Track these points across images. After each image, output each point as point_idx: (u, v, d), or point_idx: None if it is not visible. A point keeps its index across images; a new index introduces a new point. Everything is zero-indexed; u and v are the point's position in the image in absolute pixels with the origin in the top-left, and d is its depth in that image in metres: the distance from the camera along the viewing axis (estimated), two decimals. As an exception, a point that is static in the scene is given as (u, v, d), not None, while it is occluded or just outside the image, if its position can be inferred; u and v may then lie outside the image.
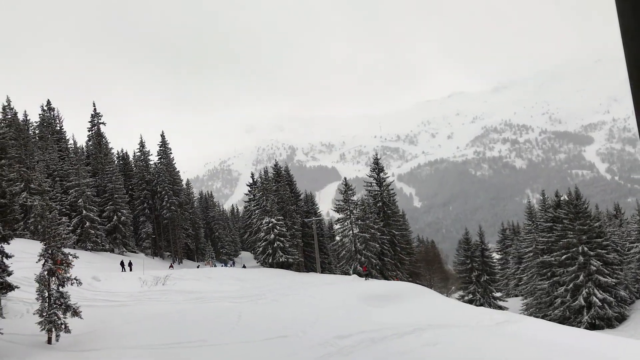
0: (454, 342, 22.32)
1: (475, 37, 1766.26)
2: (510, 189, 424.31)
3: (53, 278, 26.50)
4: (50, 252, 26.98)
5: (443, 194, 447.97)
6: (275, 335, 25.12)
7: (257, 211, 61.77)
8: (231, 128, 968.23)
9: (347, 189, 57.33)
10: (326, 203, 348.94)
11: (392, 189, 61.32)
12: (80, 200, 53.12)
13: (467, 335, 23.99)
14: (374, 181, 61.18)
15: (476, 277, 62.64)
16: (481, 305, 55.08)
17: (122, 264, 47.88)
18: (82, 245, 52.41)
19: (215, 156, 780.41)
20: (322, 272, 61.90)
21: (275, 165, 71.33)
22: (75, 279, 26.45)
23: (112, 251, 59.27)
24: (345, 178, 62.59)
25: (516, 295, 74.71)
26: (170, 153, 75.39)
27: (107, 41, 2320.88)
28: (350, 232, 55.27)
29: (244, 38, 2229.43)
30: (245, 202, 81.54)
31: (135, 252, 64.31)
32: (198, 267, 58.55)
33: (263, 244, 57.50)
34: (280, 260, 56.13)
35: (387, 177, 61.45)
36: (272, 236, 56.60)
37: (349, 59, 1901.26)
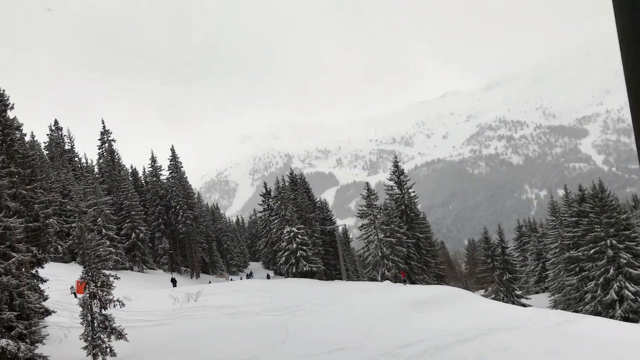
0: (523, 346, 21.52)
1: (465, 36, 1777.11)
2: (508, 185, 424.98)
3: (95, 301, 25.60)
4: (90, 274, 26.06)
5: (442, 194, 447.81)
6: (331, 348, 24.20)
7: (275, 221, 60.78)
8: (225, 139, 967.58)
9: (369, 194, 56.29)
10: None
11: (414, 192, 60.45)
12: (99, 219, 52.15)
13: (534, 338, 23.20)
14: (395, 184, 60.30)
15: (498, 276, 62.11)
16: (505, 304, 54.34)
17: (172, 280, 50.11)
18: (103, 264, 51.43)
19: (211, 168, 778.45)
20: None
21: (291, 174, 70.29)
22: (118, 300, 25.60)
23: (131, 269, 58.20)
24: (367, 183, 61.67)
25: (537, 292, 73.99)
26: (181, 166, 74.33)
27: (95, 53, 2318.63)
28: (375, 237, 54.32)
29: (233, 47, 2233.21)
30: (260, 212, 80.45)
31: (153, 268, 63.26)
32: (232, 280, 59.35)
33: (285, 254, 56.47)
34: (304, 269, 55.11)
35: (408, 179, 60.63)
36: (295, 245, 55.60)
37: (340, 63, 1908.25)
